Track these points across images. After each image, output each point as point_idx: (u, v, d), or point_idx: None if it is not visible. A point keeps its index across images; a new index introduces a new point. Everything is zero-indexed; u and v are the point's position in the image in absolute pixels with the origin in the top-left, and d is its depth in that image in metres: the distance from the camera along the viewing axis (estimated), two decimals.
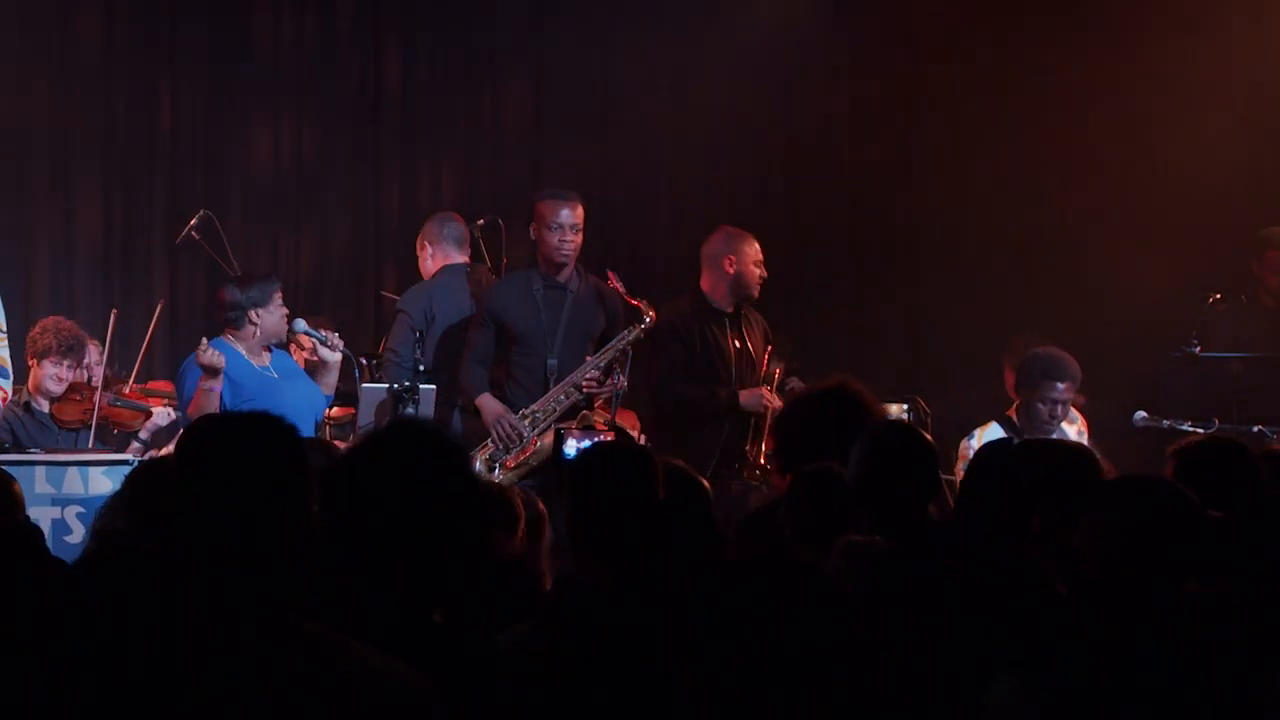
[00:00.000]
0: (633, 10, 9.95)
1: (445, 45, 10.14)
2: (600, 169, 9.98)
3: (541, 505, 5.21)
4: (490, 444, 7.31)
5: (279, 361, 7.28)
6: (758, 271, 7.69)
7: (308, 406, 7.09)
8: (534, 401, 7.35)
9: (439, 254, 7.99)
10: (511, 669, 2.92)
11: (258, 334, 7.09)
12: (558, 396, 7.35)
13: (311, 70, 9.95)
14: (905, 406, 6.52)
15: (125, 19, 9.70)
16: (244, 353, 7.09)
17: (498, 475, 7.16)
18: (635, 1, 9.97)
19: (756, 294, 7.73)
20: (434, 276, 7.96)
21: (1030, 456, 4.43)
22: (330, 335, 7.31)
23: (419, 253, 8.11)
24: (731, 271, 7.68)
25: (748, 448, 7.49)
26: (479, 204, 9.10)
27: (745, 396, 7.53)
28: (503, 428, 7.26)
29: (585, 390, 7.34)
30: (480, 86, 10.17)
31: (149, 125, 9.74)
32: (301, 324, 7.28)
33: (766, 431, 7.34)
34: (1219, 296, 8.48)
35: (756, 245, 7.74)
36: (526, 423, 7.30)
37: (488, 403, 7.36)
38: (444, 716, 2.64)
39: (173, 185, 9.73)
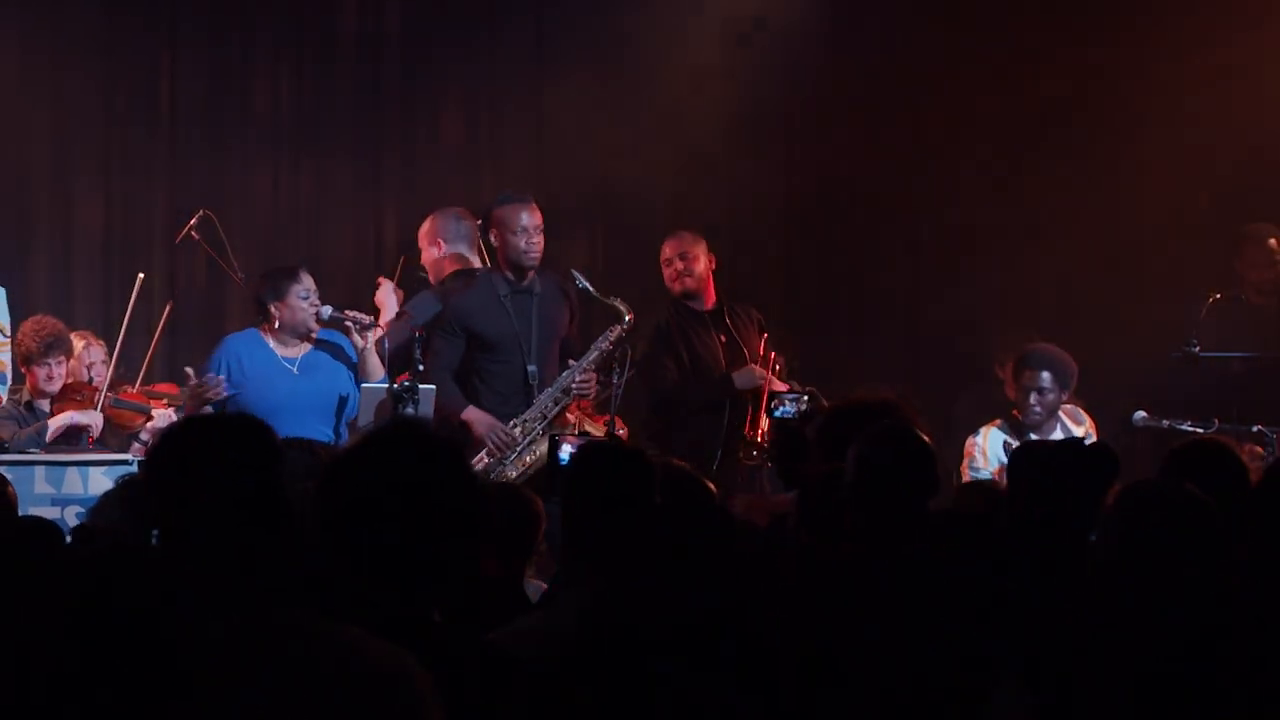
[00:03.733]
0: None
1: (446, 44, 10.14)
2: (602, 170, 9.99)
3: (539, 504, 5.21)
4: (485, 457, 7.26)
5: (314, 355, 7.34)
6: (665, 269, 7.70)
7: (316, 401, 7.20)
8: (516, 409, 7.32)
9: (453, 254, 7.91)
10: (509, 671, 2.91)
11: (279, 325, 7.26)
12: (546, 403, 7.33)
13: (313, 67, 9.95)
14: (805, 397, 6.44)
15: (125, 18, 9.71)
16: (271, 343, 7.28)
17: None
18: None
19: (674, 288, 7.68)
20: (446, 282, 7.85)
21: (1052, 458, 4.44)
22: (356, 315, 7.32)
23: (427, 248, 7.96)
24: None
25: (746, 431, 7.50)
26: (479, 204, 9.09)
27: (738, 376, 7.57)
28: (497, 438, 7.22)
29: (575, 393, 7.33)
30: (481, 84, 10.16)
31: (149, 125, 9.74)
32: (327, 311, 7.32)
33: (764, 411, 7.39)
34: (1219, 296, 8.49)
35: (666, 244, 7.74)
36: (518, 431, 7.28)
37: (476, 415, 7.29)
38: (436, 699, 2.63)
39: (173, 185, 9.74)
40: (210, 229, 8.58)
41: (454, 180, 10.01)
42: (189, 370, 7.43)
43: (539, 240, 7.35)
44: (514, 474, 7.19)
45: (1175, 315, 8.57)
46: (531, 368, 7.35)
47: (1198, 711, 3.43)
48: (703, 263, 7.80)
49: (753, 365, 7.62)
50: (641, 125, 9.96)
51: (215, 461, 2.82)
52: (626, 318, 7.38)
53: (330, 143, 10.00)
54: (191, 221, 8.62)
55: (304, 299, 7.25)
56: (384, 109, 10.11)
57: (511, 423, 7.27)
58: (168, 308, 8.53)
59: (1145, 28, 9.77)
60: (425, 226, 7.95)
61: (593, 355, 7.37)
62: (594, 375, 7.37)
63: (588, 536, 3.93)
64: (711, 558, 3.99)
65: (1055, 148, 9.92)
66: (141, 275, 8.04)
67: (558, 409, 7.32)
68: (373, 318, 7.37)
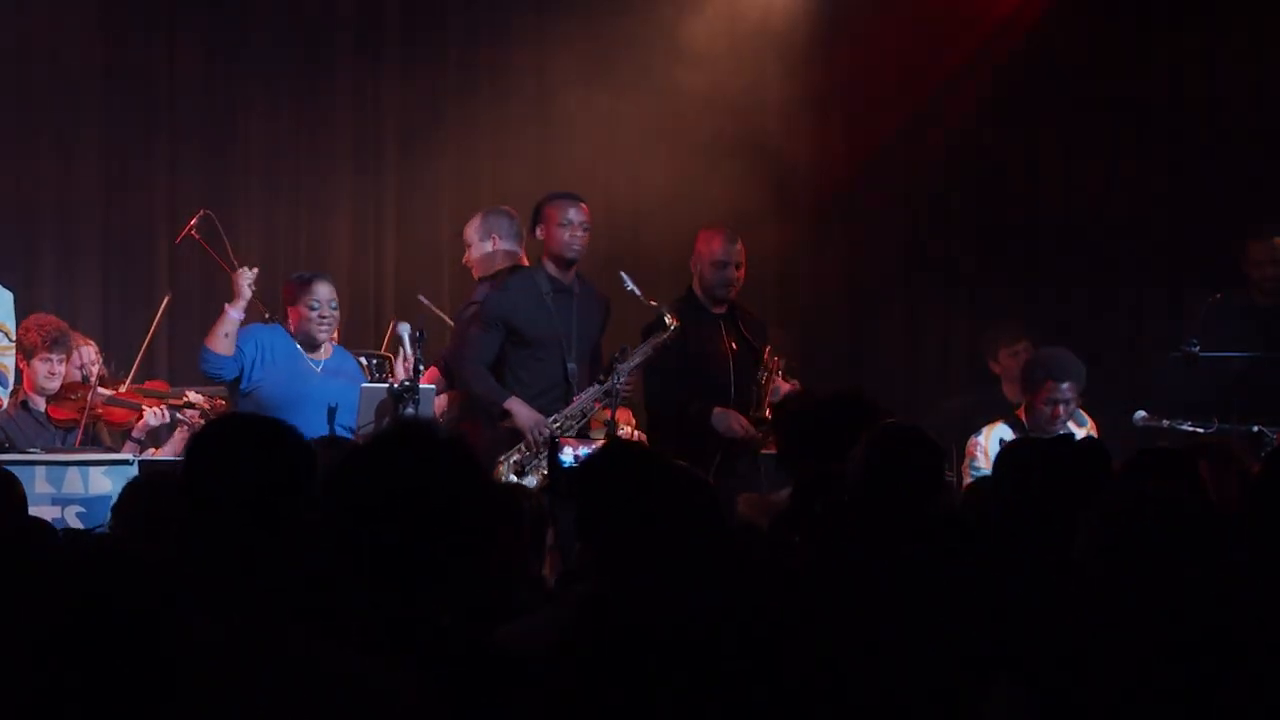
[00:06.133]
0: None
1: (447, 44, 10.15)
2: (604, 171, 10.00)
3: (545, 502, 5.21)
4: (521, 449, 7.27)
5: (336, 361, 7.59)
6: (719, 272, 7.63)
7: (338, 403, 7.36)
8: (546, 406, 7.33)
9: (506, 250, 7.83)
10: (516, 671, 2.91)
11: (294, 329, 7.54)
12: (588, 403, 7.34)
13: (313, 68, 9.95)
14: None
15: (125, 18, 9.71)
16: (296, 344, 7.51)
17: (531, 482, 7.12)
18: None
19: (728, 293, 7.65)
20: (502, 276, 7.78)
21: (1048, 455, 4.43)
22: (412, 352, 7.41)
23: (478, 243, 7.86)
24: (696, 272, 7.72)
25: (752, 410, 7.51)
26: (477, 205, 9.10)
27: (716, 416, 7.50)
28: (539, 433, 7.24)
29: (621, 395, 7.35)
30: (482, 84, 10.17)
31: (149, 124, 9.74)
32: (406, 328, 7.52)
33: (766, 398, 7.48)
34: (1219, 296, 8.49)
35: (720, 245, 7.67)
36: (557, 427, 7.28)
37: (521, 407, 7.30)
38: (431, 715, 2.64)
39: (173, 185, 9.74)
40: (210, 229, 8.58)
41: (454, 181, 10.02)
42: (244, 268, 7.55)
43: (583, 236, 7.47)
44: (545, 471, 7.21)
45: (1175, 315, 8.58)
46: (571, 366, 7.40)
47: (1197, 711, 3.43)
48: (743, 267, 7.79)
49: (732, 414, 7.50)
50: (644, 128, 9.97)
51: (215, 463, 2.81)
52: (672, 325, 7.40)
53: (330, 143, 9.99)
54: (192, 221, 8.61)
55: (313, 310, 7.47)
56: (383, 109, 10.11)
57: (552, 418, 7.29)
58: (165, 300, 8.53)
59: (1145, 26, 9.79)
60: (475, 222, 7.89)
61: (638, 359, 7.39)
62: (631, 380, 7.41)
63: (597, 536, 3.93)
64: (714, 558, 3.99)
65: (1055, 146, 9.93)
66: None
67: (596, 410, 7.34)
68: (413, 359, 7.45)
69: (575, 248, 7.46)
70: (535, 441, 7.23)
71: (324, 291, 7.53)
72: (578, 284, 7.53)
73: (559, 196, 7.57)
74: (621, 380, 7.31)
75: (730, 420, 7.45)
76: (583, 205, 7.53)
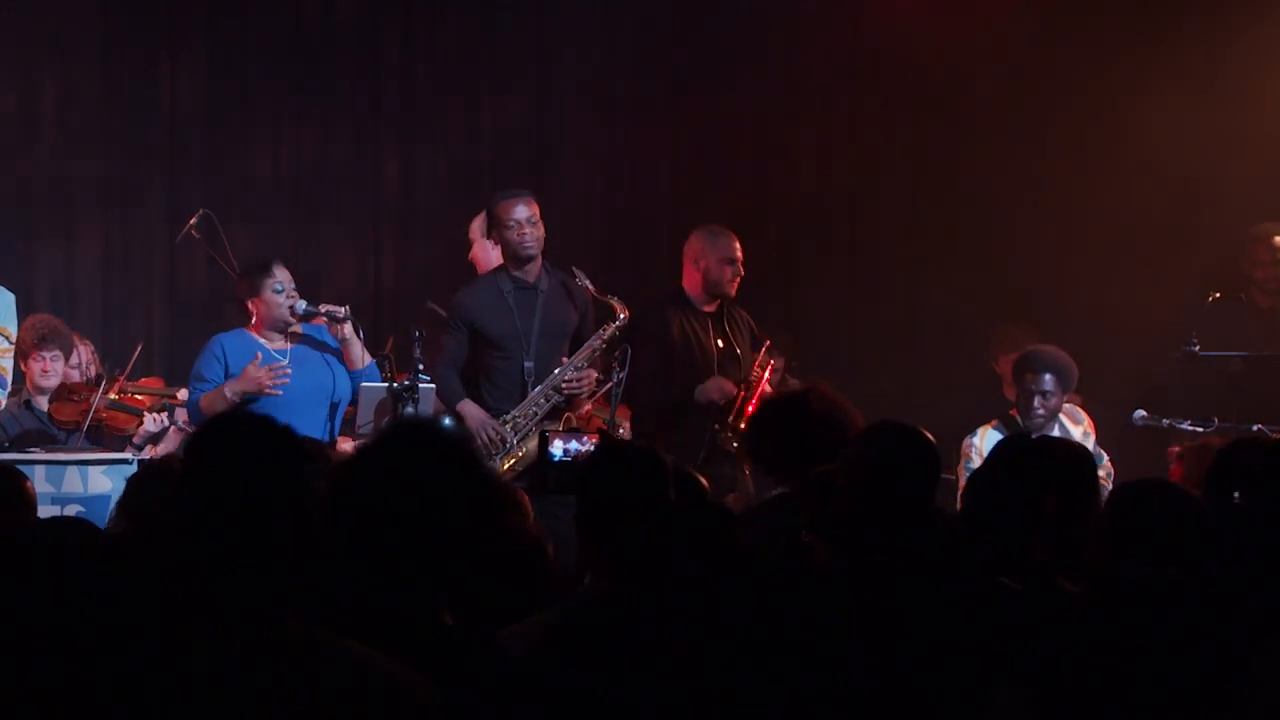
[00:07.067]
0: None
1: (447, 41, 10.15)
2: (602, 170, 9.99)
3: (524, 497, 5.23)
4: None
5: (301, 348, 7.39)
6: (728, 270, 7.63)
7: (317, 393, 7.26)
8: (513, 406, 7.34)
9: None
10: (520, 671, 2.91)
11: (258, 321, 7.32)
12: (537, 400, 7.34)
13: (312, 67, 9.95)
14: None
15: (124, 17, 9.71)
16: (260, 339, 7.32)
17: None
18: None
19: (730, 291, 7.66)
20: None
21: (1032, 455, 4.43)
22: (330, 308, 7.35)
23: (482, 240, 7.83)
24: (700, 269, 7.69)
25: (730, 419, 7.49)
26: (477, 208, 9.10)
27: (699, 389, 7.52)
28: (487, 433, 7.24)
29: (565, 392, 7.35)
30: (482, 83, 10.17)
31: (149, 124, 9.74)
32: (301, 305, 7.37)
33: (742, 403, 7.42)
34: (1218, 296, 8.48)
35: (728, 242, 7.67)
36: (509, 428, 7.29)
37: (469, 409, 7.32)
38: (443, 717, 2.64)
39: (173, 185, 9.74)
40: (210, 229, 8.58)
41: (455, 181, 10.02)
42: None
43: (532, 231, 7.35)
44: (502, 469, 7.20)
45: (1175, 315, 8.56)
46: (528, 364, 7.37)
47: (1199, 712, 3.42)
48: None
49: (719, 378, 7.55)
50: (646, 125, 9.97)
51: (223, 464, 2.80)
52: (621, 316, 7.39)
53: (330, 142, 10.00)
54: (191, 221, 8.62)
55: (278, 293, 7.30)
56: (383, 108, 10.11)
57: (502, 419, 7.29)
58: (137, 349, 8.52)
59: (1147, 26, 9.78)
60: (480, 220, 7.82)
61: (585, 353, 7.39)
62: (590, 373, 7.39)
63: (603, 536, 3.93)
64: (714, 555, 3.99)
65: (1056, 146, 9.92)
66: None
67: (549, 406, 7.33)
68: (346, 308, 7.38)
69: (527, 245, 7.35)
70: (486, 442, 7.22)
71: (284, 273, 7.36)
72: (545, 279, 7.46)
73: (506, 197, 7.46)
74: (567, 377, 7.32)
75: (715, 385, 7.46)
76: (530, 200, 7.40)
